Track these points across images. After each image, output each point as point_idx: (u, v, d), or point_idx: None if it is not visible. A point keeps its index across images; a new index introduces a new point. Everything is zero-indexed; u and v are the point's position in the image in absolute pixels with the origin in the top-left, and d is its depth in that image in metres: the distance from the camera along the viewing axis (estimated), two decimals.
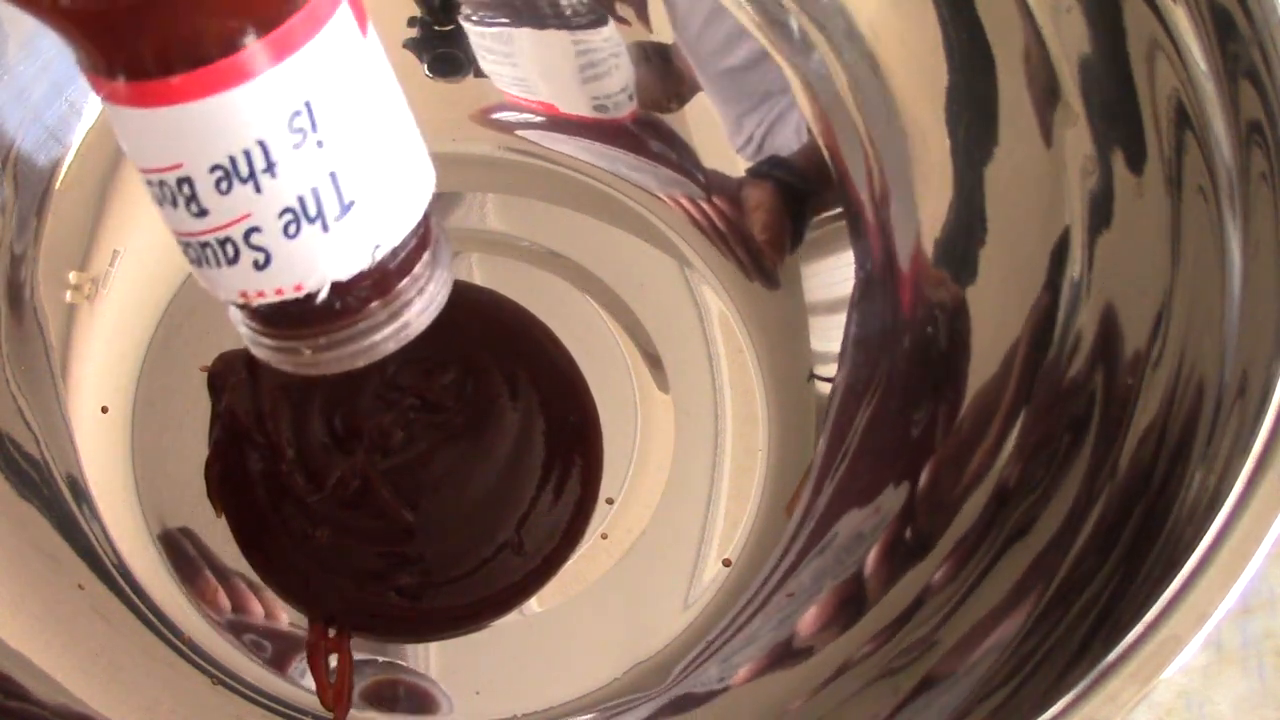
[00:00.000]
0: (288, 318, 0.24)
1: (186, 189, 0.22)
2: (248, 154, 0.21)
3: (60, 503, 0.36)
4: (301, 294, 0.23)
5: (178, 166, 0.21)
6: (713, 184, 0.41)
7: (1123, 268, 0.32)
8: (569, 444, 0.39)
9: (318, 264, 0.22)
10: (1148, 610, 0.23)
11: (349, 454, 0.37)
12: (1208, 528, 0.23)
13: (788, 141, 0.40)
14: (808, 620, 0.36)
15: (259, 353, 0.25)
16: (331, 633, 0.36)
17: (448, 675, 0.37)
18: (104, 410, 0.38)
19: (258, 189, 0.21)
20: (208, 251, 0.22)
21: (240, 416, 0.38)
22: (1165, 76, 0.30)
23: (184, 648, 0.36)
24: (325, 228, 0.22)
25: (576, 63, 0.42)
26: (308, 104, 0.21)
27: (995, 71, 0.35)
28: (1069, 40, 0.33)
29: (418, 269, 0.24)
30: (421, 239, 0.24)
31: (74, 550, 0.36)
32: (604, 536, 0.38)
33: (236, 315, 0.25)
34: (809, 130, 0.40)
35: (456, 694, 0.37)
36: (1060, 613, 0.28)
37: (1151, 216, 0.31)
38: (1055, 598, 0.29)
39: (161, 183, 0.22)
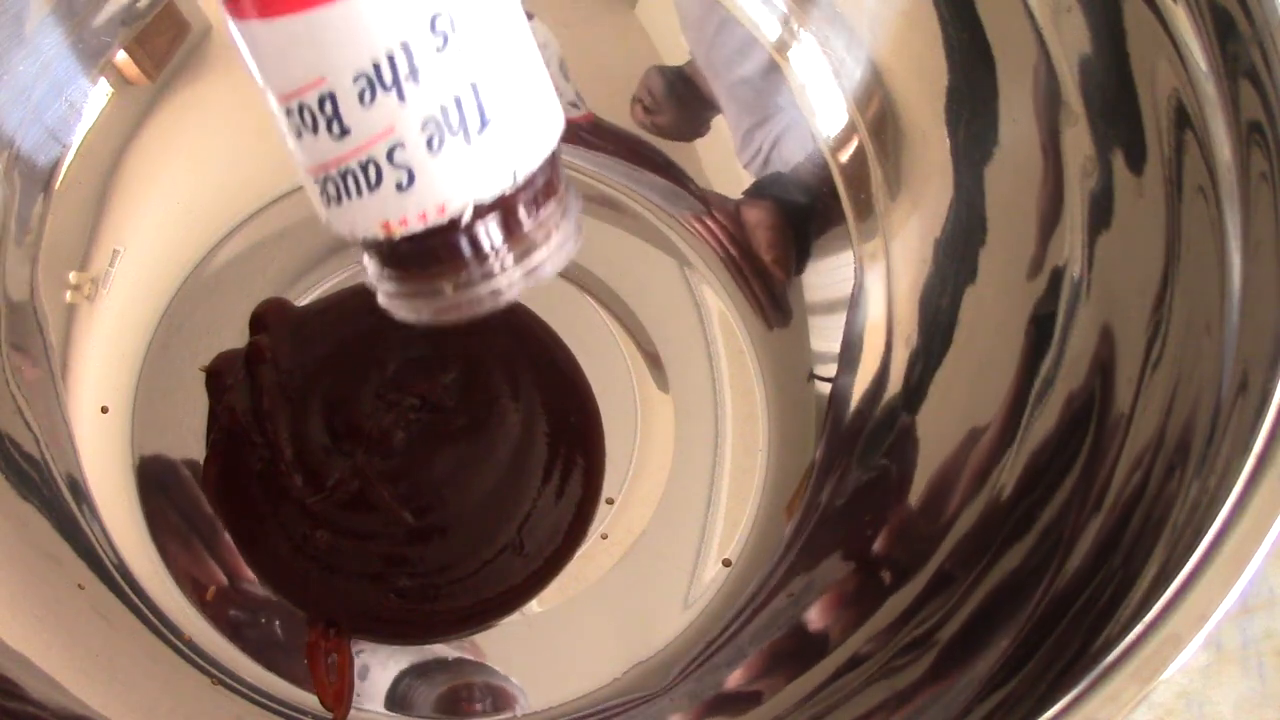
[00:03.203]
0: (424, 258, 0.24)
1: (329, 107, 0.21)
2: (391, 58, 0.21)
3: (60, 503, 0.36)
4: (445, 218, 0.23)
5: (320, 82, 0.21)
6: (710, 202, 0.41)
7: (1123, 268, 0.32)
8: (570, 444, 0.39)
9: (460, 182, 0.22)
10: (1148, 610, 0.23)
11: (348, 455, 0.37)
12: (1208, 528, 0.23)
13: (793, 154, 0.40)
14: (806, 621, 0.36)
15: (392, 303, 0.25)
16: (332, 633, 0.36)
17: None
18: (104, 410, 0.38)
19: (401, 97, 0.21)
20: (349, 179, 0.22)
21: (239, 416, 0.38)
22: (1165, 76, 0.30)
23: (184, 648, 0.36)
24: (468, 139, 0.22)
25: None
26: (450, 5, 0.21)
27: (995, 71, 0.35)
28: (1069, 40, 0.33)
29: (545, 213, 0.24)
30: (550, 183, 0.24)
31: (74, 550, 0.36)
32: (604, 537, 0.38)
33: (371, 266, 0.25)
34: (815, 143, 0.40)
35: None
36: (1060, 613, 0.28)
37: (1151, 216, 0.31)
38: (1055, 598, 0.29)
39: (302, 107, 0.22)
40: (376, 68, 0.21)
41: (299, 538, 0.37)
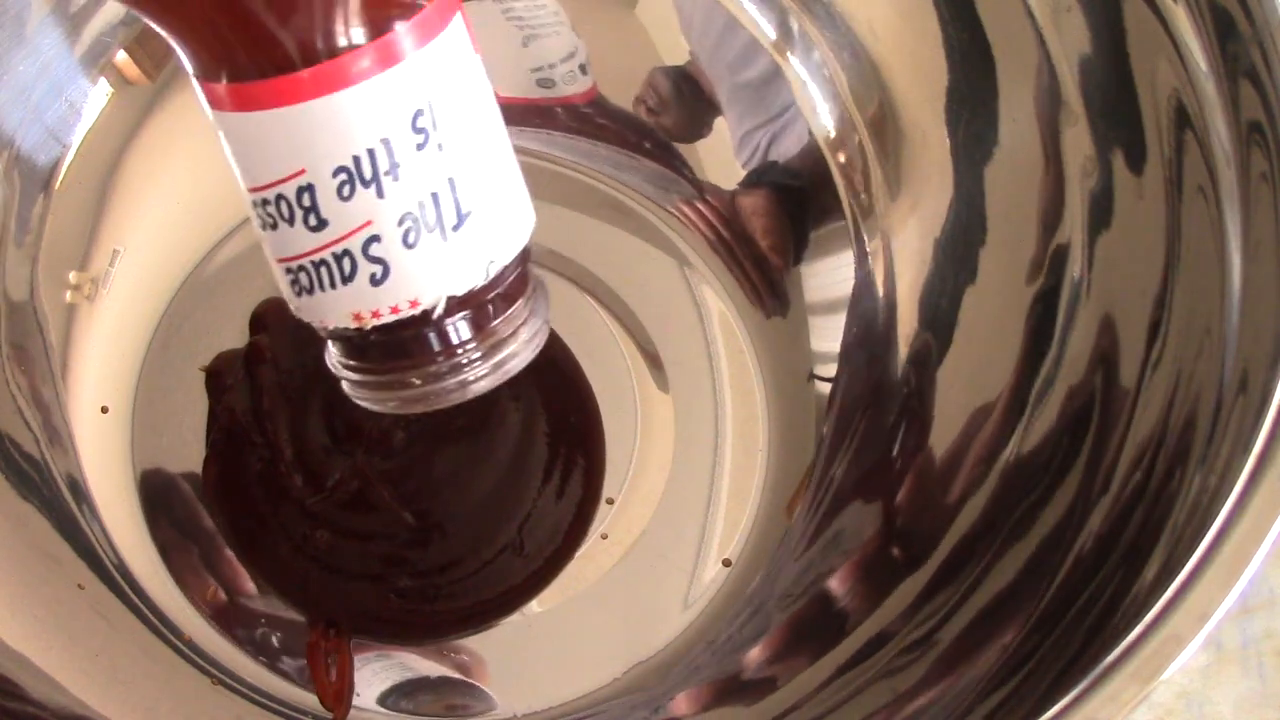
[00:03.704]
0: (392, 350, 0.24)
1: (306, 199, 0.21)
2: (372, 154, 0.21)
3: (60, 503, 0.36)
4: (417, 311, 0.23)
5: (299, 174, 0.21)
6: (704, 189, 0.41)
7: (1123, 268, 0.32)
8: (571, 444, 0.39)
9: (435, 277, 0.22)
10: (1148, 610, 0.23)
11: (348, 455, 0.37)
12: (1208, 528, 0.23)
13: (790, 149, 0.40)
14: (807, 620, 0.36)
15: (357, 392, 0.25)
16: (332, 633, 0.36)
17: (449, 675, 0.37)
18: (104, 410, 0.38)
19: (380, 193, 0.21)
20: (322, 271, 0.22)
21: (239, 416, 0.38)
22: (1165, 76, 0.30)
23: (184, 648, 0.36)
24: (444, 236, 0.22)
25: (516, 35, 0.41)
26: (431, 104, 0.21)
27: (995, 71, 0.35)
28: (1069, 40, 0.33)
29: (514, 309, 0.24)
30: (520, 279, 0.24)
31: (74, 550, 0.36)
32: (604, 537, 0.38)
33: (334, 357, 0.24)
34: (810, 133, 0.40)
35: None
36: (1060, 613, 0.28)
37: (1151, 217, 0.31)
38: (1055, 598, 0.29)
39: (279, 197, 0.22)
40: (357, 162, 0.21)
41: (299, 538, 0.37)
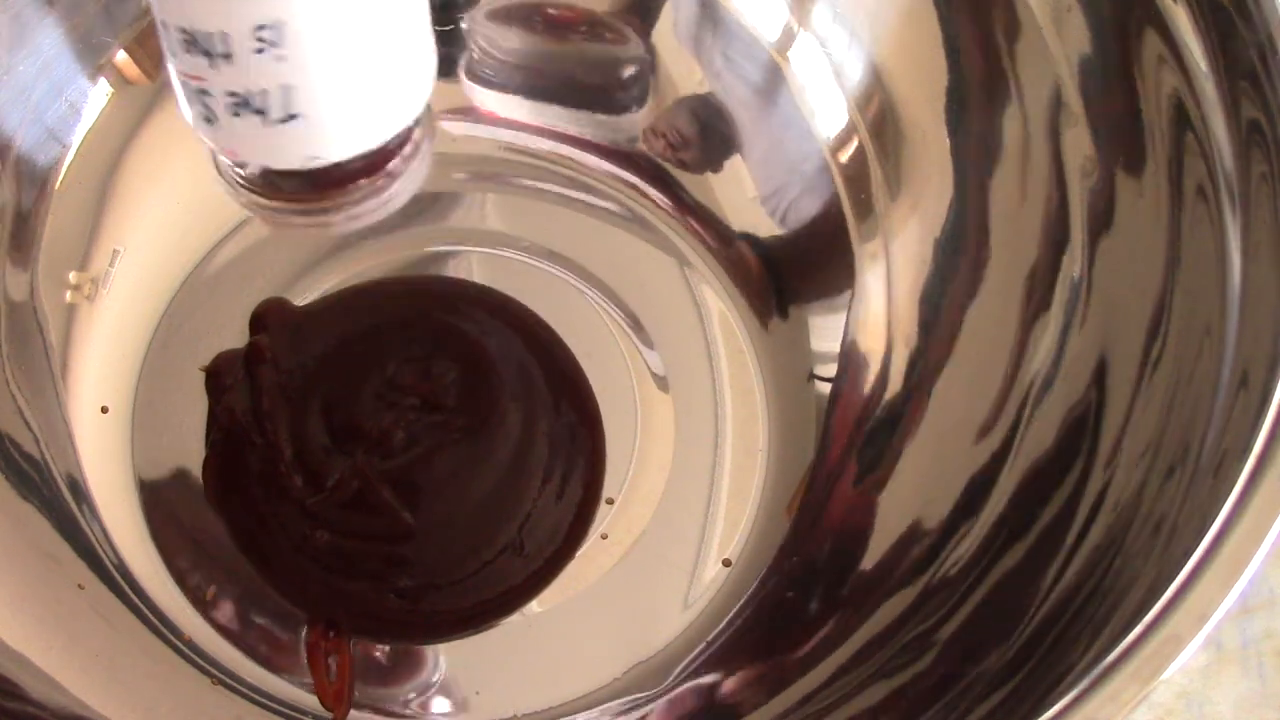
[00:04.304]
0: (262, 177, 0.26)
1: (164, 34, 0.23)
2: (210, 37, 0.22)
3: (60, 503, 0.36)
4: (239, 161, 0.25)
5: (159, 11, 0.23)
6: (702, 218, 0.42)
7: (1123, 268, 0.32)
8: (571, 444, 0.39)
9: (254, 148, 0.24)
10: (1148, 610, 0.23)
11: (348, 455, 0.37)
12: (1208, 528, 0.23)
13: (806, 213, 0.40)
14: (807, 619, 0.36)
15: (241, 200, 0.27)
16: (332, 633, 0.36)
17: (449, 675, 0.37)
18: (104, 410, 0.38)
19: (212, 65, 0.23)
20: (180, 89, 0.24)
21: (239, 416, 0.38)
22: (1165, 76, 0.30)
23: (184, 648, 0.36)
24: (264, 123, 0.23)
25: None
26: (278, 20, 0.22)
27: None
28: (1069, 40, 0.33)
29: (396, 162, 0.26)
30: (383, 156, 0.26)
31: (74, 550, 0.36)
32: (604, 537, 0.38)
33: (225, 163, 0.26)
34: (834, 191, 0.40)
35: (457, 693, 0.37)
36: (1060, 612, 0.28)
37: (1151, 217, 0.31)
38: (1055, 598, 0.29)
39: (161, 21, 0.24)
40: (195, 34, 0.22)
41: (299, 538, 0.37)
